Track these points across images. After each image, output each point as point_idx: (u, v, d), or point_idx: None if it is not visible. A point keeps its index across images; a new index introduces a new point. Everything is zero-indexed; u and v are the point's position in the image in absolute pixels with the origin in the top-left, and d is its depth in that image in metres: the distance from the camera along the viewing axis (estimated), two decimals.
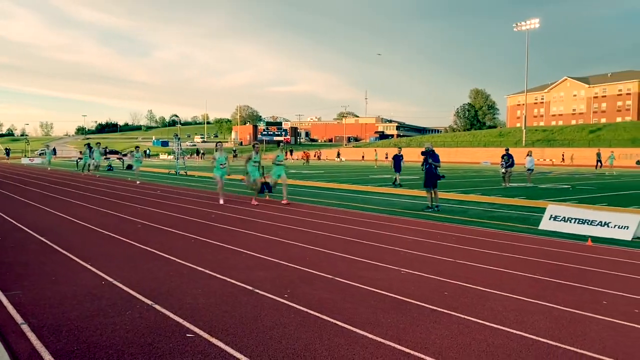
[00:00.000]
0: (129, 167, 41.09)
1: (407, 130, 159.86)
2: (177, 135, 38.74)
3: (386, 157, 77.35)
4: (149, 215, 12.19)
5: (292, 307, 5.14)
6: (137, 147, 27.44)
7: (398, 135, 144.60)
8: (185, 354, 3.91)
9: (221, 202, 15.18)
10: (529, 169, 25.63)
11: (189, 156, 69.11)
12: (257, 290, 5.71)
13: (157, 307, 5.06)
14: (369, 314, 4.95)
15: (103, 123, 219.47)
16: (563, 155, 63.91)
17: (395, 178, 23.37)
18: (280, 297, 5.47)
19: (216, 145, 16.25)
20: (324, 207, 14.60)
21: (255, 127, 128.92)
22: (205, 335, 4.30)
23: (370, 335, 4.35)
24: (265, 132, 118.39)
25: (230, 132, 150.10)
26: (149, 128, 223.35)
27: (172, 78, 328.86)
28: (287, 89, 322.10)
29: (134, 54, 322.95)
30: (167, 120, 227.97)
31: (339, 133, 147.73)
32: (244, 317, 4.80)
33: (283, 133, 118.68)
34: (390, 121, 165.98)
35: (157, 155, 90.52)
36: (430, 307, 5.21)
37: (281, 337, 4.29)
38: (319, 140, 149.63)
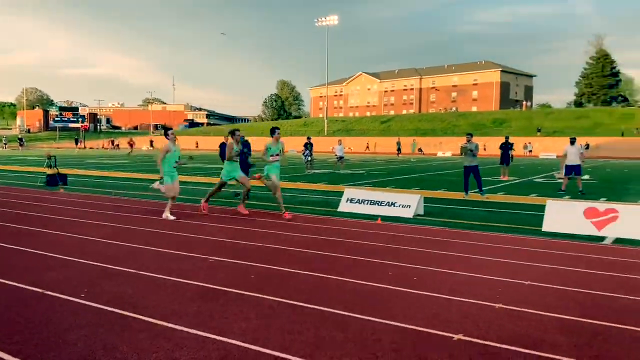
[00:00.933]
0: None
1: (217, 119, 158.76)
2: None
3: (196, 146, 75.80)
4: None
5: (90, 306, 4.78)
6: None
7: (208, 124, 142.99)
8: None
9: (169, 216, 10.25)
10: (339, 157, 27.54)
11: None
12: (48, 292, 5.18)
13: None
14: (175, 305, 4.86)
15: None
16: (368, 144, 69.67)
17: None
18: (76, 297, 5.05)
19: (167, 133, 10.76)
20: (126, 198, 13.82)
21: (46, 113, 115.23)
22: None
23: (175, 326, 4.28)
24: (59, 118, 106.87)
25: (15, 117, 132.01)
26: None
27: None
28: (84, 72, 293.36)
29: None
30: None
31: (145, 120, 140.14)
32: (33, 322, 4.33)
33: (80, 119, 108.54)
34: (200, 109, 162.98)
35: None
36: (237, 291, 5.31)
37: (77, 339, 3.97)
38: (123, 128, 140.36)
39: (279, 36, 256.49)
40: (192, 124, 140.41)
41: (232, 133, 11.07)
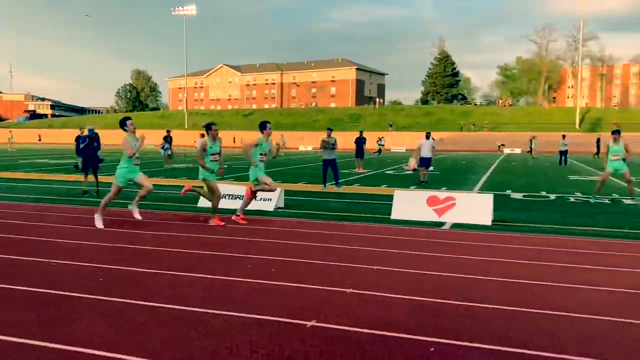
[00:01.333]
0: None
1: (64, 110, 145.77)
2: None
3: (39, 139, 69.43)
4: None
5: None
6: None
7: (53, 115, 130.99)
8: None
9: (137, 215, 9.08)
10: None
11: None
12: None
13: None
14: (14, 315, 4.40)
15: None
16: (234, 138, 68.57)
17: (77, 162, 20.98)
18: None
19: (125, 124, 8.85)
20: None
21: None
22: None
23: (10, 338, 3.87)
24: None
25: None
26: None
27: None
28: None
29: None
30: None
31: None
32: None
33: None
34: (44, 99, 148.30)
35: None
36: (83, 295, 4.95)
37: None
38: None
39: (134, 23, 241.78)
40: (34, 115, 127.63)
41: (208, 127, 9.51)
